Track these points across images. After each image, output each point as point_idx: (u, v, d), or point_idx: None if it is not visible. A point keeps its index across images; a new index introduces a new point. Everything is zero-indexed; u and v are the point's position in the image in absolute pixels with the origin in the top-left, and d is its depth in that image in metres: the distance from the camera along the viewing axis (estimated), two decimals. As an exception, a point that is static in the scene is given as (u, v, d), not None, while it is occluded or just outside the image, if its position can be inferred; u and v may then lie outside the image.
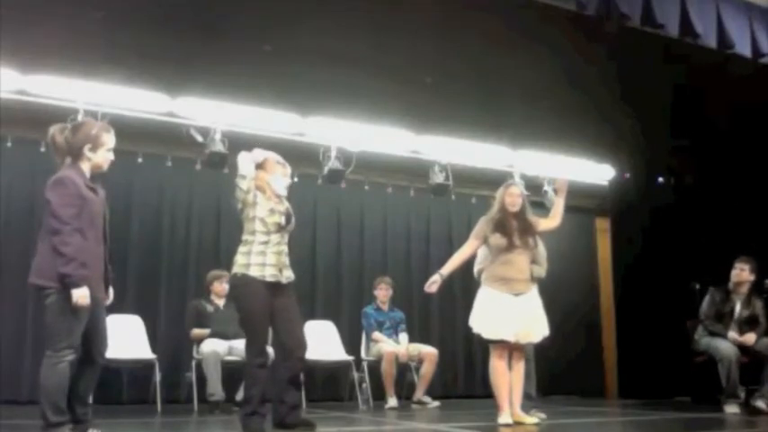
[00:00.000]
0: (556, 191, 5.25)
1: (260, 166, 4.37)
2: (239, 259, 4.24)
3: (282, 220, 4.30)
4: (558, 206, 5.03)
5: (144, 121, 6.69)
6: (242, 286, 4.22)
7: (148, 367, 6.25)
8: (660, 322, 7.88)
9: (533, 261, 5.06)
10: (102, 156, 3.71)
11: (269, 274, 4.19)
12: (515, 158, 8.34)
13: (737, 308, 6.38)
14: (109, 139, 3.74)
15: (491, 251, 4.86)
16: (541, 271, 5.31)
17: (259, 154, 4.37)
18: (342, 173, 7.47)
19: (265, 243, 4.23)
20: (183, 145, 6.87)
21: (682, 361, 7.03)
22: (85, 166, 3.67)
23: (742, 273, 6.38)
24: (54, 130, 3.70)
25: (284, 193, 4.44)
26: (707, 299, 6.50)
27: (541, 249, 5.34)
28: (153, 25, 5.88)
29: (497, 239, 4.77)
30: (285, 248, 4.34)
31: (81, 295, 3.47)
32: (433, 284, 4.81)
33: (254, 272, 4.17)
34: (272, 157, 4.44)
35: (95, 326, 3.64)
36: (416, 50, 6.44)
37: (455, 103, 7.29)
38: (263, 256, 4.20)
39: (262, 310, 4.18)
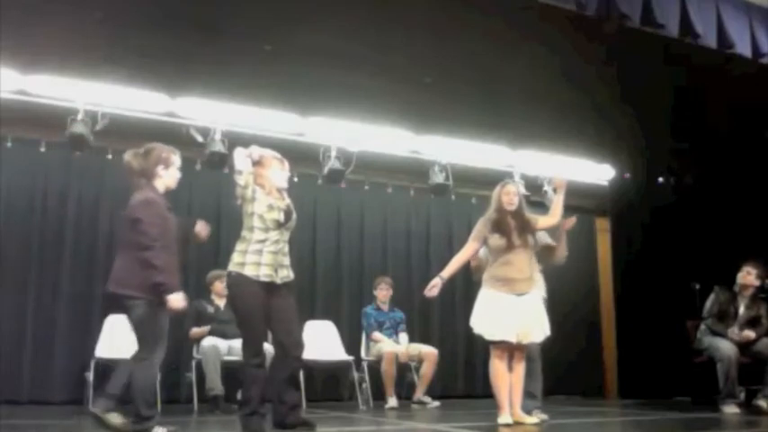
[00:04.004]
0: (555, 189, 5.25)
1: (257, 164, 4.32)
2: (235, 257, 4.20)
3: (281, 216, 4.22)
4: (557, 203, 5.02)
5: (144, 121, 6.69)
6: (236, 286, 4.19)
7: (148, 367, 6.24)
8: (660, 322, 7.88)
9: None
10: (173, 174, 4.14)
11: (263, 274, 4.14)
12: (515, 158, 8.35)
13: (741, 309, 6.40)
14: (177, 160, 4.16)
15: (491, 252, 4.84)
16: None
17: (255, 151, 4.32)
18: (342, 173, 7.47)
19: (263, 241, 4.17)
20: (183, 145, 6.83)
21: (682, 361, 7.03)
22: (160, 185, 4.09)
23: (748, 276, 6.39)
24: (128, 156, 4.09)
25: (285, 185, 4.38)
26: (712, 297, 6.51)
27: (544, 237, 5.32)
28: (153, 25, 5.89)
29: (496, 240, 4.75)
30: (284, 247, 4.27)
31: (177, 299, 3.90)
32: (433, 288, 4.79)
33: (249, 271, 4.13)
34: (269, 153, 4.40)
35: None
36: (416, 50, 6.44)
37: (455, 103, 7.30)
38: (258, 255, 4.15)
39: (257, 311, 4.15)
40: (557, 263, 5.37)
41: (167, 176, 4.10)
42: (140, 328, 3.90)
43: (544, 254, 5.27)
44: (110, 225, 6.97)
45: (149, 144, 4.18)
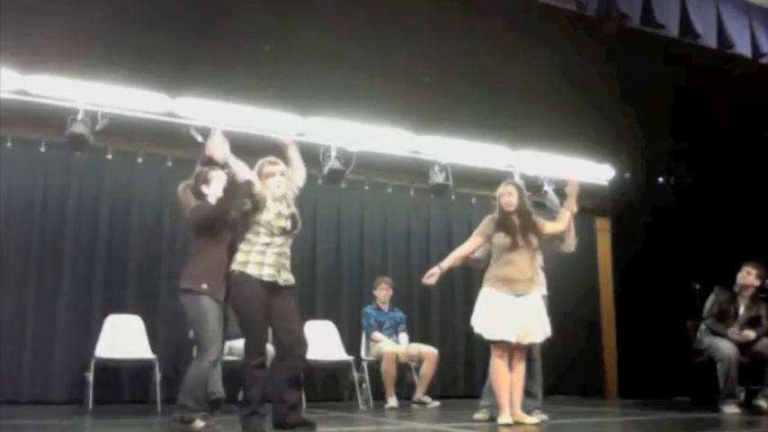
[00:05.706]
0: (560, 192, 5.22)
1: (260, 174, 4.34)
2: (239, 257, 4.22)
3: (288, 224, 4.27)
4: (566, 211, 5.00)
5: (144, 121, 6.70)
6: (239, 285, 4.20)
7: (148, 367, 6.25)
8: (660, 322, 7.88)
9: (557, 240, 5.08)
10: (216, 187, 4.54)
11: (266, 274, 4.16)
12: (515, 158, 8.35)
13: (741, 309, 6.40)
14: (216, 175, 4.58)
15: (494, 251, 4.84)
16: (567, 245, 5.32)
17: (249, 171, 4.32)
18: (342, 173, 7.47)
19: (267, 244, 4.21)
20: (183, 145, 6.87)
21: (681, 361, 7.04)
22: (209, 200, 4.55)
23: (748, 276, 6.39)
24: (180, 188, 4.62)
25: (280, 191, 4.36)
26: (712, 297, 6.51)
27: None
28: (153, 26, 5.89)
29: (501, 239, 4.76)
30: (287, 251, 4.32)
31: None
32: (431, 276, 4.80)
33: (252, 270, 4.15)
34: (264, 161, 4.40)
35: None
36: (416, 51, 6.44)
37: (455, 103, 7.29)
38: (262, 256, 4.18)
39: (259, 311, 4.16)
40: (566, 250, 5.33)
41: (211, 191, 4.53)
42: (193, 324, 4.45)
43: (552, 241, 5.26)
44: (110, 225, 6.98)
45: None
